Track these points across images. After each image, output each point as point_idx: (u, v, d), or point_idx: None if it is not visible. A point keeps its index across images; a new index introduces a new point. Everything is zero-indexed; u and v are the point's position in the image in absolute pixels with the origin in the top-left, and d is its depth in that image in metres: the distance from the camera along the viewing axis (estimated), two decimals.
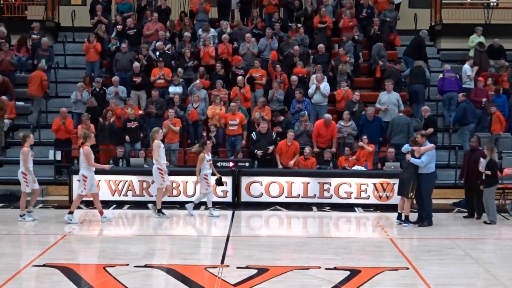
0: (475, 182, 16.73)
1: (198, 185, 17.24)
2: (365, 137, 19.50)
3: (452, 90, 21.83)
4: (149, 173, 17.90)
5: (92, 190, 16.22)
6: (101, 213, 16.30)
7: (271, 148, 19.31)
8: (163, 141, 20.23)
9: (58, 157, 20.50)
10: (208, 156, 17.03)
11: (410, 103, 22.54)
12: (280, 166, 19.15)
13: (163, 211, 16.78)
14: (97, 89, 21.79)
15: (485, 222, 16.49)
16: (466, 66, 22.43)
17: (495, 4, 29.07)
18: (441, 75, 22.61)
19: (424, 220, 16.10)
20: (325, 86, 21.26)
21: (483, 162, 16.56)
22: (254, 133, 19.69)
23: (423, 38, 23.89)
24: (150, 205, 16.92)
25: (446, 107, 22.03)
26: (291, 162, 19.24)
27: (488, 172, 16.31)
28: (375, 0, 25.51)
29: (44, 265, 12.03)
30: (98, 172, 17.01)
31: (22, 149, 16.29)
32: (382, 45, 23.28)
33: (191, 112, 20.68)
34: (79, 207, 17.97)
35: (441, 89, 22.29)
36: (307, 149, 19.30)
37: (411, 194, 15.94)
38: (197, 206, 17.35)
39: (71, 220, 16.07)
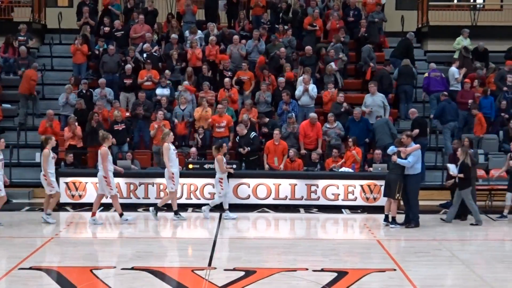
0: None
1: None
2: (350, 139, 19.50)
3: (439, 90, 21.90)
4: (136, 175, 17.91)
5: (109, 192, 16.33)
6: (120, 214, 16.37)
7: (247, 149, 19.27)
8: (150, 143, 20.32)
9: None
10: (224, 159, 17.07)
11: (398, 103, 22.56)
12: (266, 167, 19.13)
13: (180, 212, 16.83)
14: (84, 91, 21.72)
15: (471, 224, 16.54)
16: (454, 69, 22.49)
17: (481, 6, 29.19)
18: (426, 74, 22.74)
19: (411, 221, 16.13)
20: (312, 88, 21.29)
21: (450, 167, 16.62)
22: (238, 136, 19.72)
23: (411, 40, 23.97)
24: (151, 208, 16.85)
25: (434, 108, 22.03)
26: (281, 166, 19.24)
27: (461, 175, 16.35)
28: (364, 2, 25.53)
29: (30, 268, 11.98)
30: (86, 174, 16.99)
31: (43, 151, 16.36)
32: (371, 46, 23.34)
33: (178, 126, 20.59)
34: (66, 210, 17.96)
35: (427, 89, 22.43)
36: (292, 151, 19.30)
37: (398, 195, 15.97)
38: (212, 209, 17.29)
39: (95, 221, 16.18)
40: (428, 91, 22.36)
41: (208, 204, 17.09)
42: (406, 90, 22.37)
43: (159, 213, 16.80)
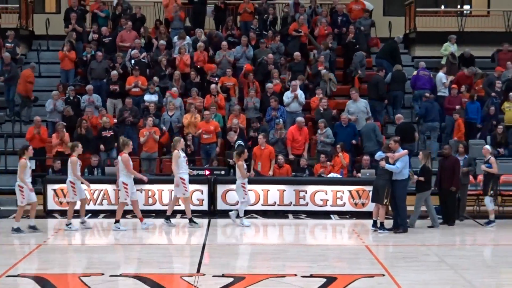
0: (448, 189, 16.89)
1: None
2: (339, 146, 19.54)
3: (425, 88, 22.34)
4: None
5: (132, 197, 16.31)
6: (141, 219, 16.42)
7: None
8: (139, 149, 20.29)
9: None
10: (245, 164, 17.12)
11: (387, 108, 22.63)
12: (252, 173, 19.08)
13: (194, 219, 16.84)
14: (71, 98, 21.66)
15: (428, 227, 16.64)
16: (441, 74, 22.59)
17: (468, 12, 29.31)
18: (415, 72, 23.09)
19: (399, 226, 16.16)
20: (301, 95, 21.33)
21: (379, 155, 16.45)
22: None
23: (397, 43, 24.10)
24: (164, 221, 16.87)
25: (417, 103, 22.55)
26: (270, 172, 19.24)
27: (422, 178, 16.42)
28: (349, 8, 25.61)
29: (18, 276, 11.92)
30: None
31: (70, 158, 16.41)
32: (364, 54, 23.41)
33: (165, 134, 20.60)
34: (53, 216, 17.91)
35: (413, 85, 22.81)
36: (280, 157, 19.31)
37: (386, 200, 16.01)
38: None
39: (119, 228, 16.20)
40: (415, 88, 22.76)
41: (236, 211, 17.12)
42: (397, 95, 22.50)
43: (153, 219, 16.77)
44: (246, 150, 17.49)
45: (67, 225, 16.35)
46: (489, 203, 17.17)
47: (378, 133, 20.21)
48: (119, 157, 16.54)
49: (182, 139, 17.33)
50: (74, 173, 16.35)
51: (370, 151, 19.25)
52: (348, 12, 25.48)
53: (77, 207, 16.57)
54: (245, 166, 17.05)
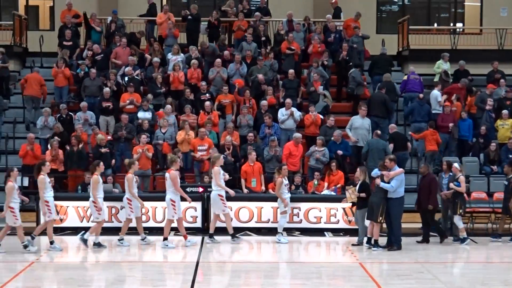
0: (426, 208, 16.98)
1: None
2: (334, 163, 19.55)
3: (415, 91, 22.93)
4: (117, 198, 17.74)
5: (179, 214, 16.41)
6: (185, 237, 16.48)
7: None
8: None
9: (26, 183, 20.29)
10: (285, 181, 17.15)
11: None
12: (246, 191, 19.04)
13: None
14: (64, 116, 21.63)
15: (353, 245, 16.56)
16: (436, 92, 22.59)
17: (461, 30, 29.46)
18: (405, 77, 23.64)
19: (393, 244, 16.15)
20: (296, 112, 21.35)
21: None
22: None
23: (385, 54, 24.41)
24: (207, 239, 16.94)
25: (407, 106, 22.94)
26: (263, 188, 19.23)
27: (363, 195, 16.37)
28: (346, 25, 25.62)
29: None
30: (67, 198, 16.96)
31: (127, 176, 16.53)
32: (358, 71, 23.49)
33: (163, 145, 20.60)
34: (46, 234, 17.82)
35: (403, 87, 23.37)
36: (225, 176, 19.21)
37: (380, 218, 16.00)
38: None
39: (167, 245, 16.25)
40: (405, 91, 23.27)
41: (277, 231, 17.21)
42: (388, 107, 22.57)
43: (147, 236, 16.72)
44: (284, 167, 17.50)
45: (119, 240, 16.51)
46: (458, 222, 17.08)
47: (388, 152, 19.63)
48: (166, 174, 16.64)
49: (221, 156, 17.48)
50: (130, 190, 16.47)
51: (370, 168, 19.23)
52: (345, 28, 25.54)
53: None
54: (285, 182, 17.15)
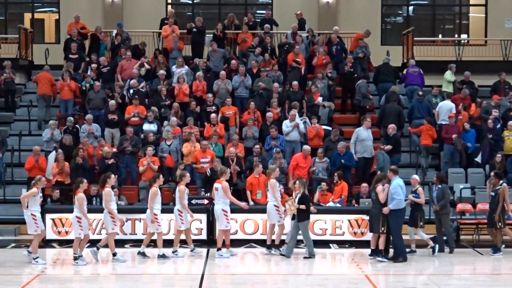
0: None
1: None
2: (336, 174, 19.55)
3: (414, 84, 23.75)
4: (122, 211, 17.72)
5: (186, 226, 16.74)
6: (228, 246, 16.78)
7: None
8: (137, 179, 20.30)
9: None
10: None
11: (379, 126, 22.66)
12: (251, 203, 19.01)
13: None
14: (70, 128, 21.68)
15: (304, 257, 16.48)
16: (451, 104, 22.45)
17: (466, 41, 29.48)
18: (405, 70, 24.46)
19: (399, 256, 16.11)
20: (301, 124, 21.37)
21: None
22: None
23: (389, 63, 24.58)
24: (271, 251, 17.05)
25: (409, 100, 23.63)
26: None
27: (303, 206, 16.32)
28: (355, 39, 25.64)
29: None
30: (73, 210, 16.92)
31: (179, 187, 16.74)
32: (366, 82, 23.54)
33: (167, 157, 20.64)
34: (52, 246, 17.85)
35: (403, 81, 24.22)
36: (281, 187, 19.21)
37: (383, 229, 16.00)
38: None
39: (222, 255, 16.48)
40: (406, 84, 24.04)
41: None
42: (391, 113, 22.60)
43: (151, 249, 16.71)
44: (304, 179, 17.73)
45: (173, 252, 16.62)
46: (422, 234, 16.97)
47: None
48: (218, 185, 16.80)
49: (277, 168, 17.67)
50: (181, 202, 16.62)
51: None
52: (353, 40, 25.68)
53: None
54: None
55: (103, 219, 16.56)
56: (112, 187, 19.66)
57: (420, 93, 23.00)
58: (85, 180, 16.49)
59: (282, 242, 17.15)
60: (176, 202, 16.84)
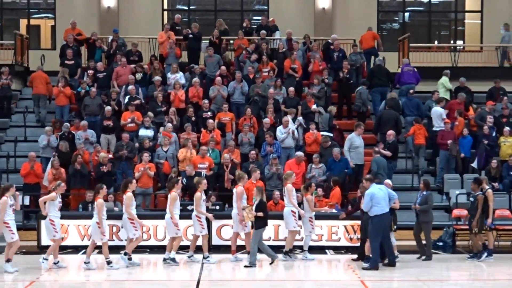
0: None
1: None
2: (332, 180, 19.56)
3: (410, 82, 24.15)
4: (118, 217, 17.68)
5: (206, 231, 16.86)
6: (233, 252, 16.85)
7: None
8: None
9: (27, 202, 20.26)
10: (313, 198, 17.45)
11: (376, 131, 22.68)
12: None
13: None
14: (66, 134, 21.66)
15: (245, 266, 16.36)
16: (441, 110, 22.53)
17: (461, 47, 29.55)
18: (399, 69, 24.80)
19: (371, 262, 15.96)
20: (296, 130, 21.38)
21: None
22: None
23: (382, 65, 24.69)
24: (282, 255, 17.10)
25: (404, 97, 23.76)
26: None
27: (260, 214, 16.26)
28: (363, 39, 25.96)
29: None
30: (69, 216, 16.92)
31: (196, 194, 16.66)
32: (366, 88, 23.58)
33: (164, 163, 20.62)
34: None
35: (399, 80, 24.53)
36: (276, 193, 19.23)
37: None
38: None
39: (236, 258, 16.82)
40: (401, 84, 24.32)
41: (303, 249, 17.44)
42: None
43: (147, 255, 16.68)
44: (313, 184, 17.88)
45: (205, 258, 16.66)
46: (393, 239, 16.83)
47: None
48: (234, 189, 16.93)
49: (294, 173, 17.72)
50: (197, 209, 16.62)
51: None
52: (360, 43, 25.95)
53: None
54: (313, 199, 17.40)
55: (123, 225, 16.68)
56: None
57: (411, 91, 23.40)
58: (104, 186, 16.53)
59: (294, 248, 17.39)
60: (194, 208, 16.85)
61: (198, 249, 16.82)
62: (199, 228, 16.71)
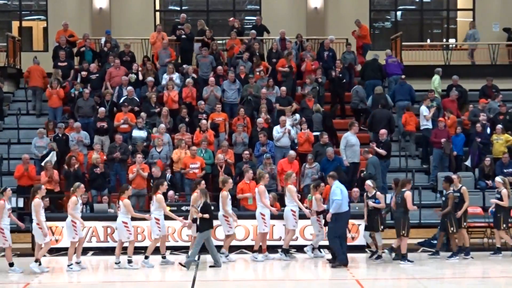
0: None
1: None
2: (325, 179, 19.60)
3: (395, 73, 24.63)
4: (113, 218, 17.65)
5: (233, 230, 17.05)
6: (264, 250, 17.05)
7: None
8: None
9: (21, 204, 20.21)
10: (321, 197, 17.52)
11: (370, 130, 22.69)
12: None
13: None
14: (60, 135, 21.63)
15: (210, 266, 16.30)
16: (423, 108, 22.68)
17: (454, 46, 29.61)
18: (384, 61, 25.01)
19: (337, 259, 16.13)
20: (292, 129, 21.39)
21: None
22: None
23: (377, 60, 24.75)
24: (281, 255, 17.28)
25: (391, 89, 24.34)
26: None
27: (207, 216, 16.05)
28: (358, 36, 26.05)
29: None
30: (63, 218, 16.87)
31: (222, 193, 16.77)
32: (361, 87, 23.65)
33: (158, 162, 20.61)
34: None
35: (385, 72, 24.84)
36: (271, 196, 19.17)
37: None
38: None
39: (256, 258, 17.01)
40: (387, 75, 24.83)
41: (311, 245, 17.53)
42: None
43: (142, 256, 16.69)
44: (322, 184, 17.86)
45: (225, 256, 16.74)
46: (380, 239, 16.97)
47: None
48: (256, 189, 17.08)
49: (293, 173, 17.81)
50: (224, 208, 16.70)
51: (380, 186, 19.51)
52: (356, 38, 26.39)
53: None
54: (321, 198, 17.44)
55: (150, 225, 16.71)
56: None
57: (403, 76, 24.06)
58: (130, 187, 16.75)
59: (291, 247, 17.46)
60: (220, 208, 16.89)
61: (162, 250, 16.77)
62: (226, 228, 16.88)
